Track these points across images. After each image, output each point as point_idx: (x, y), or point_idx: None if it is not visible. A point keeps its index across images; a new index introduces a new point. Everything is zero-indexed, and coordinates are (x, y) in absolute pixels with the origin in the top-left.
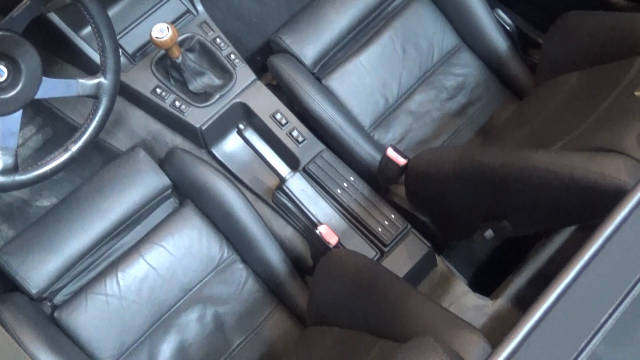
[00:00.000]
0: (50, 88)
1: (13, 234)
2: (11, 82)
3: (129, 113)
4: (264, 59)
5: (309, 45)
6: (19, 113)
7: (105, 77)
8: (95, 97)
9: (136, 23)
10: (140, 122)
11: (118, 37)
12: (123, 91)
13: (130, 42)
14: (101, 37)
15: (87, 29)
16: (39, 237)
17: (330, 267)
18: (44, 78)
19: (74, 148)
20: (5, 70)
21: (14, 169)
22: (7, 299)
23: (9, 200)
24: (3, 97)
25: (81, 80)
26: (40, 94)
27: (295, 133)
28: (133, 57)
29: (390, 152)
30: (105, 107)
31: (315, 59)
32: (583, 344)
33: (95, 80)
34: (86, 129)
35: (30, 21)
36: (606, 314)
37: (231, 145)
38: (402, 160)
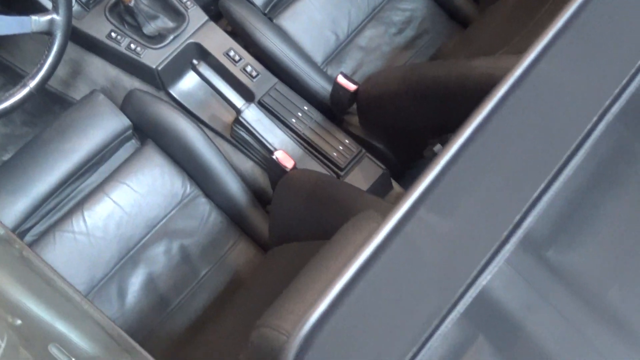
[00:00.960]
0: (4, 25)
1: None
2: None
3: (87, 62)
4: (217, 7)
5: None
6: None
7: (57, 13)
8: (49, 33)
9: None
10: (98, 70)
11: None
12: (79, 39)
13: None
14: None
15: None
16: (4, 180)
17: (288, 187)
18: None
19: (32, 84)
20: None
21: None
22: None
23: None
24: None
25: (34, 17)
26: None
27: (249, 68)
28: (87, 5)
29: (341, 79)
30: (60, 42)
31: (265, 0)
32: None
33: (49, 17)
34: (42, 65)
35: None
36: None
37: (187, 85)
38: (352, 86)
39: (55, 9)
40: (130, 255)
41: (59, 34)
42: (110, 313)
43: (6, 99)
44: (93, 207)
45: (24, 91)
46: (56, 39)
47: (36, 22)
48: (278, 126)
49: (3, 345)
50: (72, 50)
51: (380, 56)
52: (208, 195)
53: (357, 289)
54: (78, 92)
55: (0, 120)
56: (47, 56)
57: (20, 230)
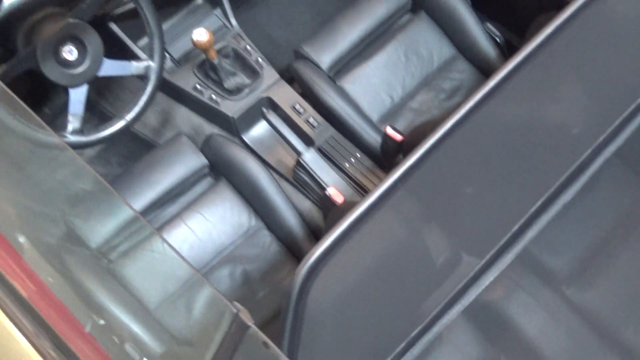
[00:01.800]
0: (110, 67)
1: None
2: (79, 61)
3: (174, 110)
4: (290, 72)
5: (326, 53)
6: (85, 86)
7: (153, 61)
8: (145, 76)
9: (182, 35)
10: (184, 118)
11: (167, 46)
12: (169, 89)
13: (176, 49)
14: (150, 28)
15: (143, 40)
16: (99, 202)
17: (336, 216)
18: (105, 59)
19: (129, 117)
20: (75, 50)
21: (80, 131)
22: (72, 251)
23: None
24: (73, 72)
25: (135, 63)
26: (102, 72)
27: (311, 119)
28: (178, 62)
29: (389, 130)
30: (153, 84)
31: (331, 65)
32: None
33: (146, 63)
34: (137, 102)
35: (95, 25)
36: None
37: (258, 132)
38: (399, 137)
39: (151, 57)
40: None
41: (153, 78)
42: (178, 323)
43: (106, 129)
44: (171, 231)
45: (122, 123)
46: (150, 81)
47: (136, 67)
48: (333, 169)
49: None
50: (163, 100)
51: (430, 118)
52: (270, 228)
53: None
54: (165, 139)
55: (100, 162)
56: (142, 95)
57: (109, 246)
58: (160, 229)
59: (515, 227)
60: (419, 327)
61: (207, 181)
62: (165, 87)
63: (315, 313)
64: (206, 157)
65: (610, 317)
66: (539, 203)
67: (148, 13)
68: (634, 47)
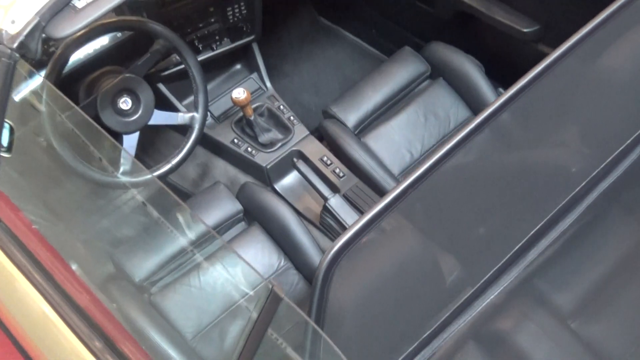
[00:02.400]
0: (159, 117)
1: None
2: (133, 110)
3: (213, 163)
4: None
5: (352, 113)
6: (137, 133)
7: (197, 112)
8: (189, 126)
9: (222, 95)
10: (221, 170)
11: (209, 104)
12: (208, 143)
13: (217, 108)
14: (196, 83)
15: (186, 100)
16: (142, 242)
17: None
18: (155, 110)
19: (174, 161)
20: (130, 101)
21: (129, 173)
22: (118, 284)
23: None
24: (127, 120)
25: (180, 114)
26: (152, 121)
27: (337, 170)
28: (218, 119)
29: None
30: (197, 133)
31: (356, 123)
32: None
33: (191, 114)
34: (183, 149)
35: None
36: None
37: (288, 182)
38: None
39: (196, 109)
40: (231, 310)
41: (197, 127)
42: (213, 352)
43: (153, 171)
44: (207, 268)
45: (168, 166)
46: (195, 130)
47: (182, 117)
48: (357, 213)
49: None
50: (202, 154)
51: None
52: (298, 267)
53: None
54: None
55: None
56: (186, 142)
57: (150, 281)
58: (197, 265)
59: (515, 248)
60: (428, 332)
61: (240, 225)
62: (205, 141)
63: (336, 302)
64: (241, 203)
65: (614, 350)
66: (537, 228)
67: (195, 71)
68: (623, 90)
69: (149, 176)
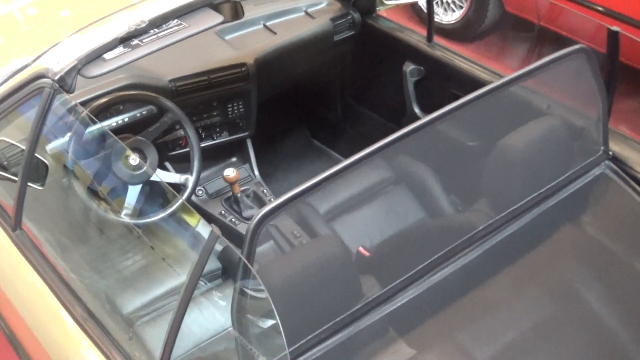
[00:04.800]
0: (160, 175)
1: None
2: (139, 166)
3: None
4: None
5: (324, 203)
6: (140, 185)
7: (191, 175)
8: (184, 185)
9: (217, 178)
10: None
11: (205, 184)
12: (200, 213)
13: (211, 187)
14: (193, 151)
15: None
16: (134, 281)
17: None
18: (158, 169)
19: (167, 212)
20: (138, 159)
21: (131, 215)
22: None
23: None
24: (134, 173)
25: (178, 175)
26: (153, 177)
27: (304, 241)
28: (211, 195)
29: (361, 248)
30: (189, 192)
31: (327, 211)
32: None
33: (186, 176)
34: (175, 204)
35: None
36: None
37: (264, 249)
38: (367, 253)
39: (191, 172)
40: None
41: (190, 186)
42: None
43: (148, 219)
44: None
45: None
46: (187, 189)
47: (179, 177)
48: None
49: None
50: None
51: None
52: None
53: None
54: None
55: None
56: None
57: (135, 315)
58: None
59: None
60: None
61: (218, 281)
62: (197, 211)
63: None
64: (220, 263)
65: None
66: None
67: (194, 141)
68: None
69: (151, 219)
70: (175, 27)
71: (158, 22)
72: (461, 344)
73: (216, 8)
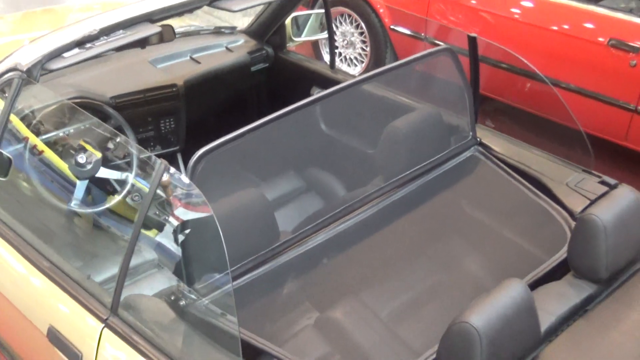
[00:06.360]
0: (103, 172)
1: None
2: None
3: None
4: None
5: None
6: (87, 181)
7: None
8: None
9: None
10: None
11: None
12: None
13: None
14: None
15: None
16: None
17: None
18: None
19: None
20: (85, 156)
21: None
22: None
23: None
24: (81, 169)
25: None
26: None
27: None
28: None
29: None
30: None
31: None
32: None
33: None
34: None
35: None
36: None
37: None
38: None
39: (131, 171)
40: None
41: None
42: None
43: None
44: None
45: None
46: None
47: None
48: None
49: None
50: None
51: None
52: None
53: None
54: None
55: None
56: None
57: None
58: None
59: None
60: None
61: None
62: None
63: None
64: None
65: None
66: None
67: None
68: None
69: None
70: (121, 35)
71: (107, 31)
72: (354, 281)
73: (153, 22)
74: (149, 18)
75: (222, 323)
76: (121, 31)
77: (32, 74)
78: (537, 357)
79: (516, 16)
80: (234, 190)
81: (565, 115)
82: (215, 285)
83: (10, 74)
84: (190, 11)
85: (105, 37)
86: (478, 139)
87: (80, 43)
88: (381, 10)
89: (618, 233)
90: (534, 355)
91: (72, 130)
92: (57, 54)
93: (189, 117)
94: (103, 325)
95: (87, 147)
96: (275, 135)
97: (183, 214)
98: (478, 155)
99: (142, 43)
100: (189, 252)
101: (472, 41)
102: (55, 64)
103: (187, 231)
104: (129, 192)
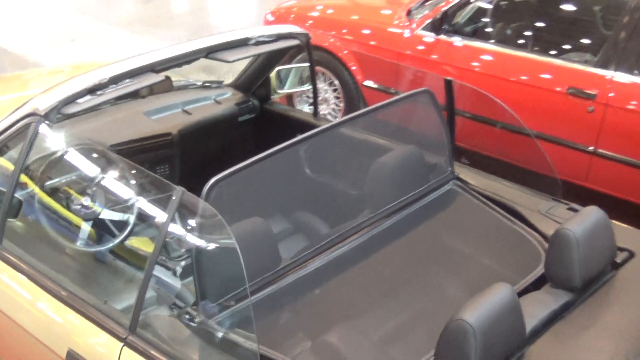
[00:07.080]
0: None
1: None
2: (89, 206)
3: None
4: None
5: None
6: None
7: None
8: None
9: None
10: None
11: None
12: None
13: None
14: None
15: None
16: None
17: None
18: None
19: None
20: (89, 200)
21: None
22: None
23: None
24: (86, 211)
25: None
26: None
27: None
28: None
29: None
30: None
31: None
32: None
33: (127, 215)
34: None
35: None
36: None
37: None
38: None
39: (132, 212)
40: None
41: (131, 223)
42: None
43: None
44: None
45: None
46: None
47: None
48: None
49: None
50: None
51: None
52: None
53: None
54: None
55: None
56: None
57: None
58: None
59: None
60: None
61: None
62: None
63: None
64: None
65: None
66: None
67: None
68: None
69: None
70: (128, 82)
71: (116, 79)
72: (346, 307)
73: (157, 72)
74: (152, 68)
75: (240, 339)
76: (128, 80)
77: (50, 118)
78: (523, 354)
79: (477, 69)
80: (240, 217)
81: (538, 156)
82: (230, 303)
83: (29, 118)
84: (189, 62)
85: (114, 85)
86: (456, 174)
87: (91, 90)
88: (353, 68)
89: (589, 245)
90: (521, 354)
91: (77, 175)
92: (71, 99)
93: (183, 164)
94: (122, 344)
95: (90, 190)
96: (276, 168)
97: (201, 238)
98: (456, 188)
99: (145, 91)
100: (204, 272)
101: (448, 84)
102: (70, 109)
103: (204, 254)
104: (129, 233)
